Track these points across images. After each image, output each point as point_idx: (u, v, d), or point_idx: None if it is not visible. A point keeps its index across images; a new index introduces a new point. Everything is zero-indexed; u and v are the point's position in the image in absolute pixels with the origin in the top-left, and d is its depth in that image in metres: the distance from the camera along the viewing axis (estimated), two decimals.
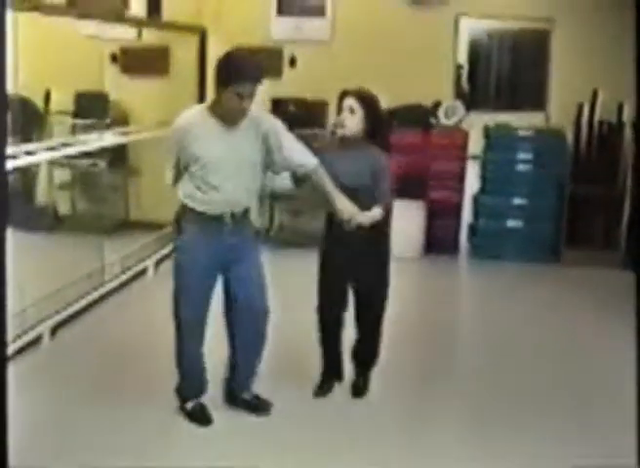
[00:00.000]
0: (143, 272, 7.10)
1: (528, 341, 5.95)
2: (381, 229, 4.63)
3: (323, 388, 4.84)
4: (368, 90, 4.61)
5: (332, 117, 8.23)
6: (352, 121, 4.48)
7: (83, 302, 6.03)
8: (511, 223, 8.07)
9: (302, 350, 5.18)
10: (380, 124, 4.59)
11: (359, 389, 4.85)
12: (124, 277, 6.76)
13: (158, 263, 7.35)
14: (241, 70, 4.03)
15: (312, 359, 4.90)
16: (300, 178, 4.54)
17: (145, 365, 5.20)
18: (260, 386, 4.65)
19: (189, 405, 4.51)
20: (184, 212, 4.27)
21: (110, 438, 4.21)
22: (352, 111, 4.47)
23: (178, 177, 4.32)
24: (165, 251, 7.60)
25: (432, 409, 4.73)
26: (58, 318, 5.63)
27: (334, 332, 4.78)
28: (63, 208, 8.26)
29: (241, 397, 4.61)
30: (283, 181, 4.69)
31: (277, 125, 4.30)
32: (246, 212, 4.32)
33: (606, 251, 8.01)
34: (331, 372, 4.89)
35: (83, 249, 6.72)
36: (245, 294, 4.38)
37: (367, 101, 4.51)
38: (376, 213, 4.43)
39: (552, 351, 5.78)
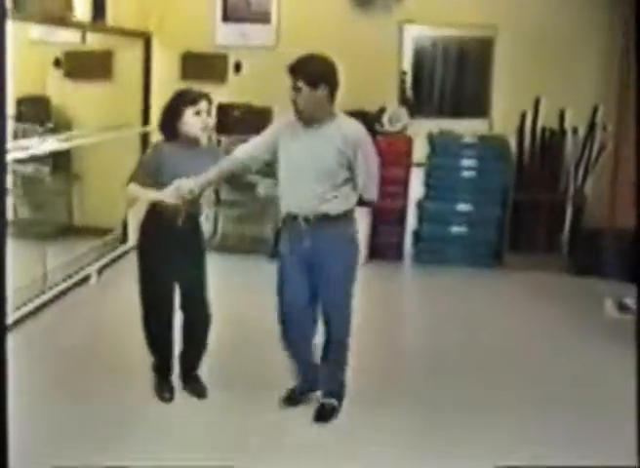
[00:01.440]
0: (86, 279, 7.02)
1: (470, 345, 5.99)
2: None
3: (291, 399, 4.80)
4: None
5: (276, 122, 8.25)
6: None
7: (25, 310, 5.96)
8: (455, 229, 8.13)
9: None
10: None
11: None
12: (66, 284, 6.69)
13: (101, 270, 7.28)
14: (291, 64, 4.36)
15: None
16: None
17: (88, 373, 5.14)
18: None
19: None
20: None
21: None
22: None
23: (252, 156, 4.51)
24: (108, 258, 7.54)
25: (367, 419, 4.74)
26: None
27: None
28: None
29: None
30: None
31: (367, 141, 4.50)
32: (327, 217, 4.38)
33: (548, 255, 8.11)
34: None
35: (25, 255, 6.62)
36: (323, 305, 4.55)
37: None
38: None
39: (494, 354, 5.82)
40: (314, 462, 4.17)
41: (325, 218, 4.36)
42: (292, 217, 4.43)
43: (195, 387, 4.88)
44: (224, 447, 4.29)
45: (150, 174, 4.53)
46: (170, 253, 4.61)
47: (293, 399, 4.74)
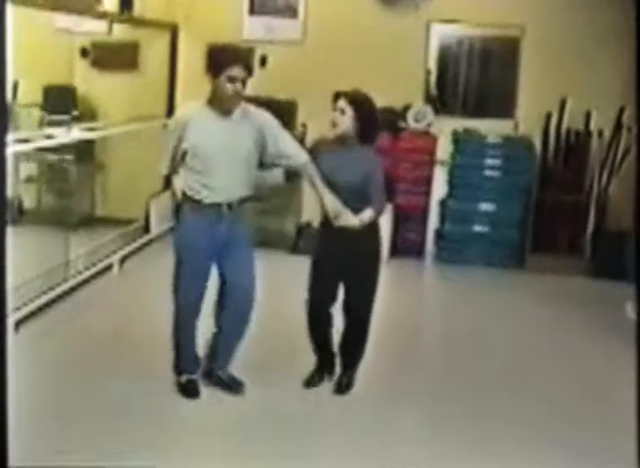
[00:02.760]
0: (108, 268, 7.05)
1: (489, 346, 5.98)
2: (372, 230, 4.72)
3: (312, 380, 4.95)
4: (361, 91, 4.74)
5: (301, 117, 8.26)
6: (343, 121, 4.58)
7: (46, 298, 5.98)
8: (477, 228, 8.10)
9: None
10: (370, 125, 4.68)
11: (342, 386, 4.90)
12: (88, 273, 6.71)
13: (123, 260, 7.31)
14: (230, 55, 4.36)
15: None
16: (290, 174, 4.74)
17: (109, 359, 5.16)
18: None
19: (183, 378, 4.73)
20: (184, 200, 4.51)
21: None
22: (343, 112, 4.59)
23: (174, 168, 4.55)
24: (130, 247, 7.56)
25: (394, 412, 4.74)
26: (21, 313, 5.57)
27: (322, 328, 4.87)
28: (29, 201, 8.18)
29: (217, 375, 4.80)
30: (275, 177, 4.78)
31: (272, 119, 4.58)
32: (242, 201, 4.52)
33: (570, 258, 8.07)
34: (323, 367, 5.01)
35: (48, 243, 6.66)
36: (235, 279, 4.60)
37: (358, 103, 4.62)
38: (365, 215, 4.59)
39: (513, 355, 5.82)
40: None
41: (241, 202, 4.54)
42: (211, 204, 4.46)
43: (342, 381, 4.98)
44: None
45: None
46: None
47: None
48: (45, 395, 4.59)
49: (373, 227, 4.70)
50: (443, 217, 8.23)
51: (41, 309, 5.88)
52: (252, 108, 4.54)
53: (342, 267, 4.71)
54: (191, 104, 4.58)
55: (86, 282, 6.64)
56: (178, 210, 4.58)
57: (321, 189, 4.54)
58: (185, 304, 4.66)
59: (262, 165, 4.61)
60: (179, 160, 4.47)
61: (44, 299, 5.94)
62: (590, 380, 5.45)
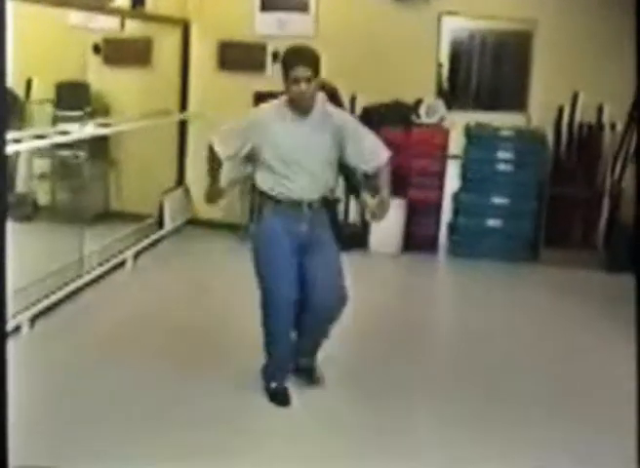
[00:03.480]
0: (122, 264, 7.08)
1: (502, 339, 5.98)
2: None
3: None
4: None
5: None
6: None
7: (61, 293, 6.02)
8: (491, 222, 8.10)
9: None
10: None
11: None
12: (102, 269, 6.75)
13: (137, 256, 7.34)
14: (292, 56, 4.37)
15: None
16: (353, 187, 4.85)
17: (123, 355, 5.18)
18: None
19: (272, 385, 4.70)
20: (263, 199, 4.55)
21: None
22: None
23: (232, 157, 4.63)
24: (144, 243, 7.60)
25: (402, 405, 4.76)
26: (36, 308, 5.61)
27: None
28: (43, 198, 8.23)
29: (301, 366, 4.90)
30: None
31: (353, 121, 4.66)
32: (323, 200, 4.55)
33: (584, 251, 8.06)
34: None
35: (62, 239, 6.69)
36: (316, 279, 4.53)
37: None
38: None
39: (526, 349, 5.82)
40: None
41: (322, 203, 4.56)
42: (292, 203, 4.49)
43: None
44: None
45: None
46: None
47: (281, 394, 4.74)
48: (59, 390, 4.62)
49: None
50: (456, 211, 8.23)
51: (56, 305, 5.92)
52: (333, 110, 4.59)
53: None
54: (269, 104, 4.55)
55: (100, 278, 6.68)
56: (259, 209, 4.58)
57: (386, 189, 4.61)
58: (278, 308, 4.56)
59: (344, 167, 4.64)
60: (257, 159, 4.51)
61: (59, 295, 5.97)
62: (604, 373, 5.45)
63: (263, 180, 4.51)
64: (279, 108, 4.45)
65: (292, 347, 4.73)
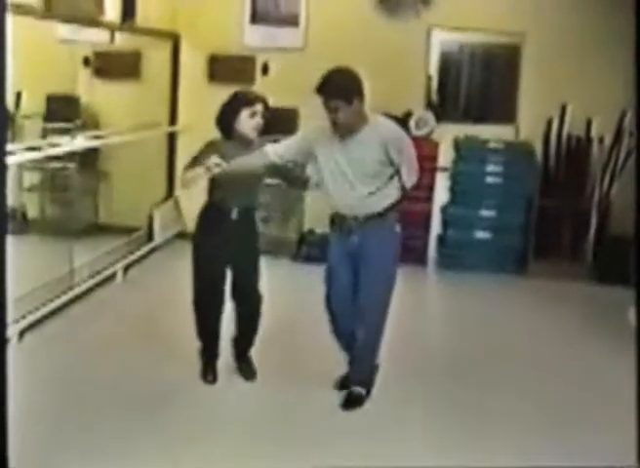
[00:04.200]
0: (112, 277, 7.07)
1: (491, 352, 6.00)
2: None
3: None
4: None
5: (303, 124, 8.25)
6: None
7: (51, 306, 6.01)
8: (480, 235, 8.12)
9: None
10: None
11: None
12: (92, 281, 6.73)
13: (127, 268, 7.33)
14: (319, 85, 4.47)
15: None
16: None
17: (114, 367, 5.19)
18: None
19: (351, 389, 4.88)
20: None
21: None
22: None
23: (283, 157, 4.70)
24: (134, 256, 7.59)
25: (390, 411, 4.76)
26: (25, 322, 5.60)
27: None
28: (32, 211, 8.21)
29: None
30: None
31: (395, 131, 4.68)
32: (375, 215, 4.63)
33: (573, 263, 8.09)
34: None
35: (52, 252, 6.69)
36: (363, 295, 4.71)
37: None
38: None
39: (515, 361, 5.84)
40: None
41: (372, 217, 4.62)
42: (341, 217, 4.66)
43: (245, 370, 5.14)
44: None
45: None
46: (224, 244, 4.84)
47: (346, 384, 4.94)
48: (48, 403, 4.61)
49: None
50: (445, 224, 8.25)
51: (46, 318, 5.90)
52: (380, 122, 4.65)
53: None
54: (321, 124, 4.64)
55: (90, 290, 6.67)
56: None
57: None
58: (337, 311, 4.81)
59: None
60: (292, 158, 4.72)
61: (48, 308, 5.96)
62: (593, 385, 5.46)
63: (325, 193, 4.70)
64: (327, 128, 4.57)
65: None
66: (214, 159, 4.56)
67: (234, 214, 4.84)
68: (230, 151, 4.73)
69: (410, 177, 4.68)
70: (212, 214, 4.91)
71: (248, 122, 4.80)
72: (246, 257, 4.98)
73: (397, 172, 4.61)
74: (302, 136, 4.81)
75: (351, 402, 4.82)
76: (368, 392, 4.90)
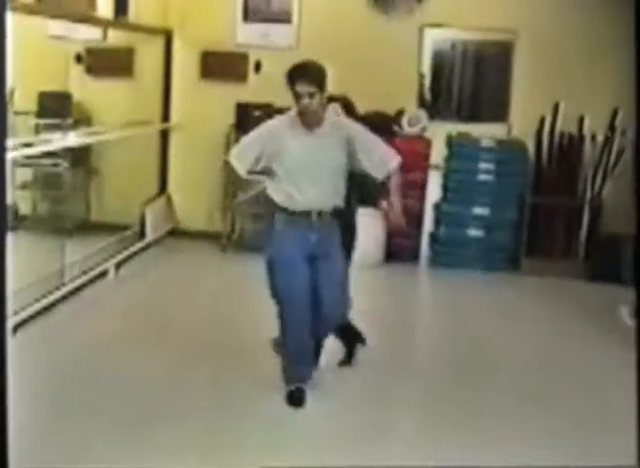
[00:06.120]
0: (104, 274, 7.06)
1: (482, 349, 6.00)
2: None
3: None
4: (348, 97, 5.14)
5: None
6: None
7: (43, 303, 5.99)
8: (472, 232, 8.13)
9: None
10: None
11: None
12: (84, 279, 6.72)
13: (119, 266, 7.32)
14: (292, 72, 4.50)
15: None
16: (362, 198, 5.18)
17: (105, 364, 5.18)
18: None
19: (291, 387, 4.78)
20: (276, 208, 4.64)
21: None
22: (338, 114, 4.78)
23: (251, 171, 4.68)
24: (126, 253, 7.57)
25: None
26: (17, 318, 5.58)
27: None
28: (24, 207, 8.19)
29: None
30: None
31: (360, 129, 4.68)
32: (334, 211, 4.62)
33: (565, 261, 8.10)
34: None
35: (43, 250, 6.67)
36: (323, 290, 4.65)
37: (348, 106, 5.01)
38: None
39: (506, 358, 5.83)
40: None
41: (336, 211, 4.63)
42: (302, 212, 4.58)
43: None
44: None
45: None
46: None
47: (297, 397, 4.81)
48: (39, 400, 4.59)
49: None
50: (437, 222, 8.25)
51: (38, 314, 5.89)
52: (343, 120, 4.71)
53: None
54: (282, 116, 4.70)
55: (82, 287, 6.65)
56: (272, 215, 4.71)
57: (396, 195, 4.85)
58: (289, 311, 4.68)
59: (355, 177, 4.72)
60: (268, 169, 4.61)
61: (41, 304, 5.94)
62: (584, 381, 5.48)
63: (275, 191, 4.62)
64: (290, 120, 4.60)
65: (309, 351, 4.85)
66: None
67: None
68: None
69: (386, 161, 4.67)
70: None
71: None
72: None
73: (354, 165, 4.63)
74: (264, 139, 4.63)
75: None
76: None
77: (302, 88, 4.43)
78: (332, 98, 4.82)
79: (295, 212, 4.58)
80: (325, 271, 4.65)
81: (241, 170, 4.65)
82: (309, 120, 4.53)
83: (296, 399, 4.74)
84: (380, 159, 4.66)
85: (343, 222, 4.78)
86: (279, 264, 4.63)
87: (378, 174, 4.67)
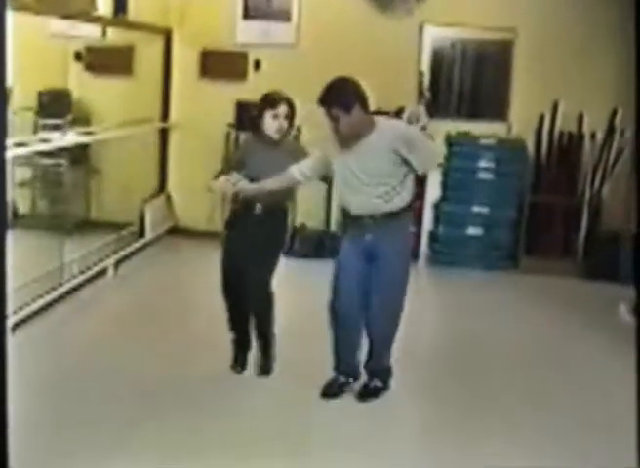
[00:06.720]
0: (103, 272, 7.06)
1: (481, 348, 6.00)
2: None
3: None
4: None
5: (296, 120, 8.24)
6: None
7: (42, 301, 5.99)
8: (471, 231, 8.13)
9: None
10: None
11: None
12: (83, 277, 6.72)
13: (118, 264, 7.32)
14: (320, 95, 4.56)
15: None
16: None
17: (105, 363, 5.18)
18: None
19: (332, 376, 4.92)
20: (343, 212, 4.90)
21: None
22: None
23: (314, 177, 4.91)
24: (125, 252, 7.57)
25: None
26: (17, 317, 5.58)
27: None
28: (23, 206, 8.19)
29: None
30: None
31: (407, 131, 4.79)
32: (391, 214, 4.64)
33: (564, 259, 8.10)
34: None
35: (42, 248, 6.67)
36: (376, 292, 4.74)
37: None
38: None
39: (505, 357, 5.84)
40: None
41: (388, 215, 4.64)
42: (356, 217, 4.70)
43: (261, 364, 5.17)
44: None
45: (236, 164, 5.00)
46: (244, 236, 4.98)
47: (331, 391, 4.91)
48: (38, 399, 4.59)
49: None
50: (437, 220, 8.25)
51: (37, 313, 5.89)
52: (388, 126, 4.66)
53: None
54: (326, 136, 4.75)
55: (81, 286, 6.65)
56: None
57: None
58: (336, 306, 4.79)
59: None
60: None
61: (39, 303, 5.94)
62: (583, 379, 5.48)
63: (339, 196, 4.90)
64: (334, 137, 4.67)
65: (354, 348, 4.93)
66: (235, 177, 4.73)
67: (257, 209, 4.93)
68: (259, 151, 4.93)
69: (422, 164, 4.66)
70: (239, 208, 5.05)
71: (271, 123, 4.92)
72: (260, 253, 5.00)
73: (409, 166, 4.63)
74: (320, 152, 4.83)
75: (367, 393, 4.93)
76: (384, 385, 4.99)
77: (326, 111, 4.52)
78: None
79: (351, 215, 4.71)
80: (375, 273, 4.70)
81: (297, 174, 4.78)
82: (341, 139, 4.59)
83: (325, 387, 4.88)
84: (425, 159, 4.66)
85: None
86: (336, 262, 4.81)
87: (419, 169, 4.68)
